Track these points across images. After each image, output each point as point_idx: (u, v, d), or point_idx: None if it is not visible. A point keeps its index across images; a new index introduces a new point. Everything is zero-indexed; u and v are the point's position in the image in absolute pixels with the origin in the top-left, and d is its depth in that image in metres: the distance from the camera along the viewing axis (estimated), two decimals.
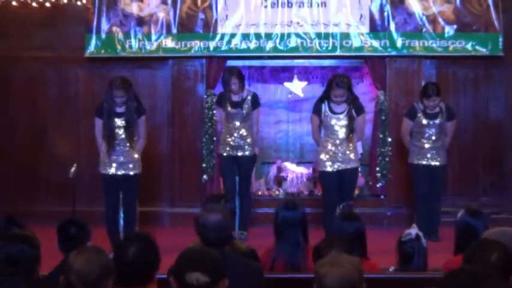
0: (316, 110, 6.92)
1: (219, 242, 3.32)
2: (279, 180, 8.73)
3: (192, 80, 8.26)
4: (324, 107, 6.86)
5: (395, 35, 8.02)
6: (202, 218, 3.42)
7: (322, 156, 6.88)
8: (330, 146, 6.85)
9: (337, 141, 6.83)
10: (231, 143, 7.25)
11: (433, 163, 7.22)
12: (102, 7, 8.08)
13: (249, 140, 7.26)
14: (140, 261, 2.87)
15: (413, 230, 4.06)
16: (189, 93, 8.28)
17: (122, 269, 2.88)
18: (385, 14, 8.01)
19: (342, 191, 6.83)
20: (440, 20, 8.02)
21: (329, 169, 6.84)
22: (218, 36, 8.06)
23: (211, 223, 3.38)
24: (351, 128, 6.81)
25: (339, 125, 6.82)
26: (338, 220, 4.28)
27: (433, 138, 7.20)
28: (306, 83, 8.88)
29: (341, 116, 6.81)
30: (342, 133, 6.83)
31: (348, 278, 2.54)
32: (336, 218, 4.46)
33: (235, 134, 7.24)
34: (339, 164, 6.83)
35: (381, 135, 8.11)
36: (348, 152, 6.83)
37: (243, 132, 7.24)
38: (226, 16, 8.08)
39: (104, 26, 8.10)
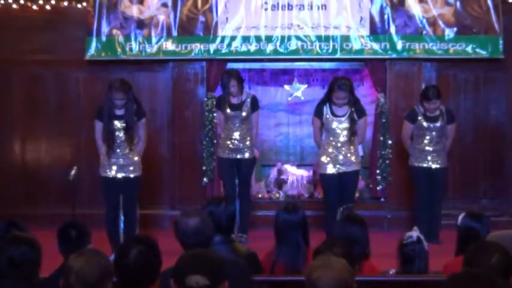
0: (318, 112, 6.91)
1: (198, 246, 3.30)
2: (279, 183, 8.72)
3: (192, 82, 8.26)
4: (326, 110, 6.85)
5: (395, 38, 8.02)
6: (181, 223, 3.41)
7: (323, 159, 6.87)
8: (331, 149, 6.85)
9: (339, 144, 6.82)
10: (230, 145, 7.24)
11: (433, 166, 7.21)
12: (102, 10, 8.08)
13: (248, 143, 7.24)
14: (142, 264, 2.86)
15: (415, 233, 4.05)
16: (189, 95, 8.28)
17: (123, 272, 2.87)
18: (386, 16, 8.01)
19: (343, 194, 6.82)
20: (440, 22, 8.02)
21: (330, 171, 6.84)
22: (218, 39, 8.06)
23: (190, 227, 3.37)
24: (352, 131, 6.80)
25: (341, 127, 6.81)
26: (340, 222, 4.27)
27: (434, 141, 7.20)
28: (306, 85, 8.88)
29: (343, 119, 6.80)
30: (343, 136, 6.82)
31: (342, 280, 2.56)
32: (338, 220, 4.46)
33: (235, 137, 7.22)
34: (339, 166, 6.82)
35: (381, 138, 8.10)
36: (349, 155, 6.83)
37: (242, 135, 7.22)
38: (227, 19, 8.07)
39: (105, 28, 8.10)
